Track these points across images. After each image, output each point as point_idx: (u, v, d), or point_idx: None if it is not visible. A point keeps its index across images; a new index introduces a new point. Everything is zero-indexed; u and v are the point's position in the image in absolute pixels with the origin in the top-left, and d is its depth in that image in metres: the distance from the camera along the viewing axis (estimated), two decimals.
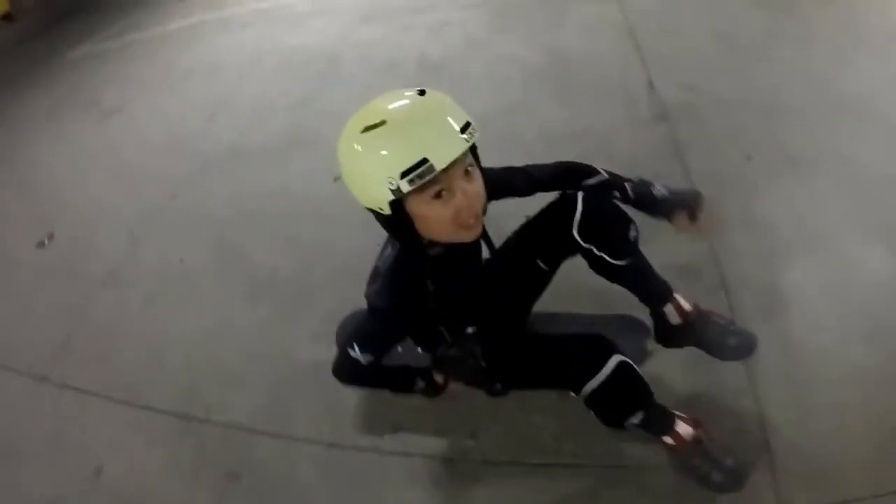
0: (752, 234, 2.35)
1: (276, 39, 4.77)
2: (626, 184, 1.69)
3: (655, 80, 3.30)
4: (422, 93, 1.28)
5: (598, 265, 1.74)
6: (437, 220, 1.32)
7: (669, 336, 1.94)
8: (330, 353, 1.74)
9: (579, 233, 1.66)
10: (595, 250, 1.69)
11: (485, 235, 1.51)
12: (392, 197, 1.24)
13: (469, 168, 1.31)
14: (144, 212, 3.27)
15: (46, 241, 3.26)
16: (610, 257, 1.69)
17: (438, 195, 1.27)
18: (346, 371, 1.68)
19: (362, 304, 1.60)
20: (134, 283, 2.85)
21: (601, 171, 1.71)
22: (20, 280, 3.09)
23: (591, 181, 1.69)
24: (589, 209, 1.65)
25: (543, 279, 1.87)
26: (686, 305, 1.89)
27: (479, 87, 3.52)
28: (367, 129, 1.23)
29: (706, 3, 4.03)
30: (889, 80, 3.04)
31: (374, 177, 1.23)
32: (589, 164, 1.73)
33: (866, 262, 2.19)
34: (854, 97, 2.97)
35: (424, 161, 1.18)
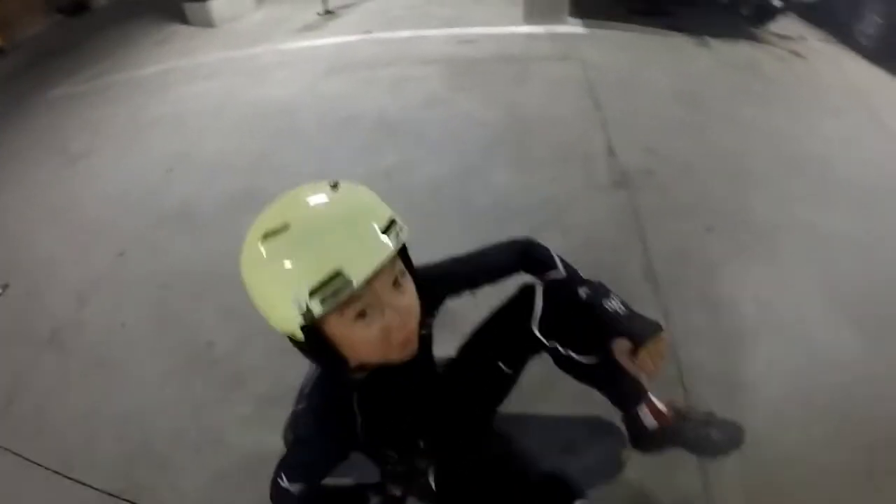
0: (711, 315, 2.18)
1: (240, 91, 4.64)
2: (580, 288, 1.44)
3: (615, 144, 3.15)
4: (335, 186, 1.02)
5: (564, 363, 1.54)
6: (362, 343, 1.06)
7: (646, 441, 1.73)
8: (262, 442, 1.60)
9: (540, 329, 1.47)
10: (559, 347, 1.49)
11: (424, 348, 1.30)
12: (301, 321, 0.97)
13: (399, 277, 1.06)
14: (93, 270, 3.08)
15: (1, 291, 3.16)
16: (576, 353, 1.49)
17: (362, 314, 1.01)
18: (279, 501, 1.31)
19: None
20: (76, 348, 2.67)
21: (558, 263, 1.47)
22: None
23: (549, 277, 1.47)
24: (549, 303, 1.46)
25: (507, 383, 1.65)
26: (661, 406, 1.69)
27: (435, 149, 3.36)
28: (268, 235, 0.97)
29: (670, 61, 3.93)
30: (845, 140, 2.96)
31: (279, 296, 0.97)
32: (545, 249, 1.50)
33: (833, 347, 2.03)
34: (814, 158, 2.88)
35: (338, 274, 0.93)
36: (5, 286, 3.20)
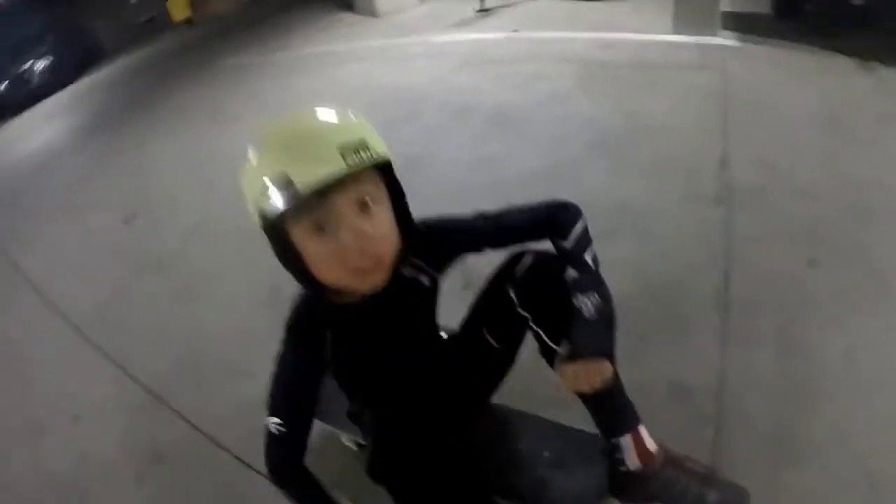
0: (782, 360, 1.85)
1: (379, 76, 4.79)
2: (570, 269, 1.23)
3: (732, 157, 2.81)
4: (329, 111, 1.04)
5: (543, 350, 1.31)
6: (319, 261, 1.04)
7: (623, 485, 1.36)
8: None
9: (515, 292, 1.29)
10: (531, 322, 1.29)
11: (409, 293, 1.23)
12: (260, 223, 1.01)
13: (370, 203, 1.02)
14: (206, 214, 3.38)
15: (130, 220, 3.66)
16: (548, 337, 1.27)
17: (320, 228, 1.00)
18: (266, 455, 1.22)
19: None
20: (172, 276, 3.03)
21: (571, 234, 1.26)
22: (99, 243, 3.56)
23: (556, 244, 1.28)
24: (534, 266, 1.28)
25: (496, 361, 1.48)
26: (650, 444, 1.33)
27: (541, 144, 3.22)
28: (256, 143, 1.02)
29: (822, 83, 3.44)
30: None
31: (248, 197, 1.02)
32: (572, 215, 1.30)
33: None
34: None
35: (287, 180, 0.94)
36: (133, 216, 3.68)
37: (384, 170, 1.06)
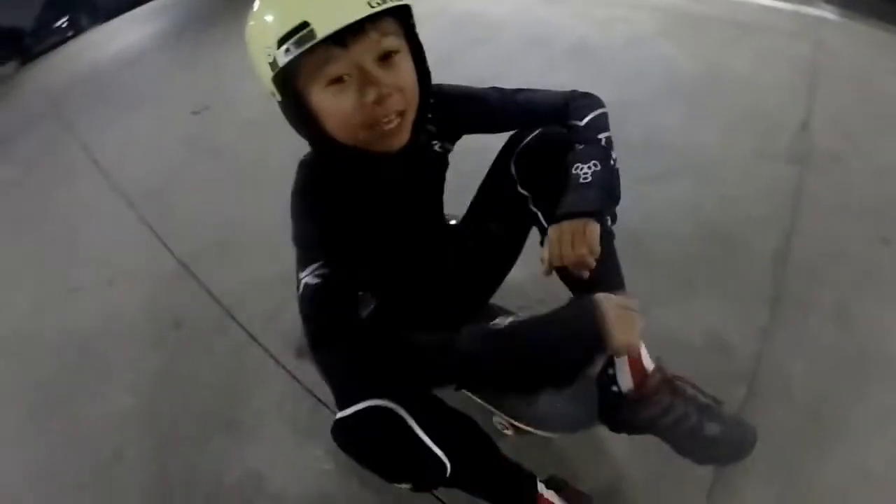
0: (836, 332, 1.64)
1: (460, 2, 4.51)
2: (579, 144, 1.12)
3: (814, 123, 2.53)
4: None
5: (543, 239, 1.17)
6: (337, 116, 0.93)
7: (615, 410, 1.22)
8: None
9: (516, 168, 1.20)
10: (531, 203, 1.19)
11: (423, 161, 1.14)
12: (271, 72, 0.89)
13: (392, 52, 0.92)
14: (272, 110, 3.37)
15: (201, 111, 3.63)
16: (545, 220, 1.14)
17: (338, 80, 0.89)
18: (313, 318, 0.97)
19: None
20: (229, 165, 3.00)
21: (586, 116, 1.14)
22: (167, 131, 3.54)
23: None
24: (538, 139, 1.17)
25: (497, 249, 1.38)
26: (647, 362, 1.19)
27: (613, 80, 2.99)
28: None
29: None
30: None
31: (257, 49, 0.90)
32: (589, 102, 1.18)
33: None
34: None
35: (305, 25, 0.83)
36: (204, 108, 3.66)
37: (402, 18, 0.95)
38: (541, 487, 1.20)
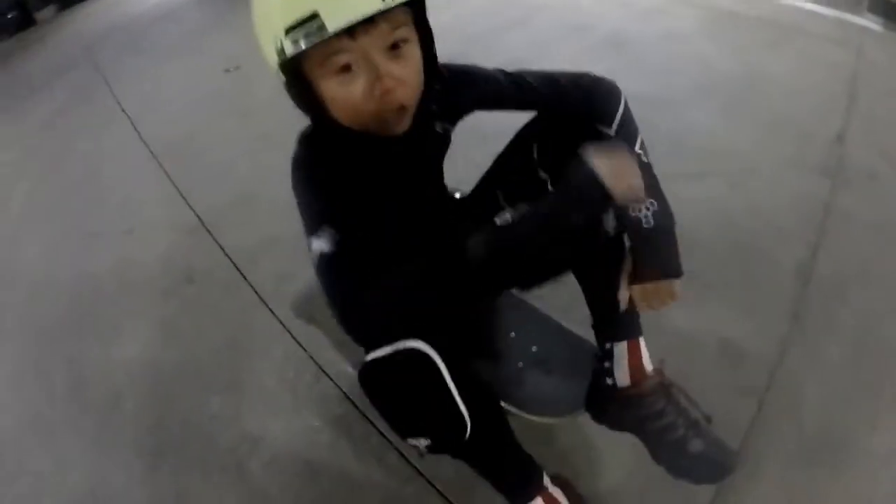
0: (853, 355, 1.55)
1: None
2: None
3: (850, 136, 2.40)
4: None
5: None
6: (343, 103, 0.89)
7: (604, 402, 1.20)
8: None
9: (539, 149, 1.15)
10: (550, 186, 1.14)
11: (425, 140, 1.09)
12: (277, 57, 0.85)
13: (401, 43, 0.87)
14: None
15: (232, 70, 3.57)
16: None
17: (346, 69, 0.85)
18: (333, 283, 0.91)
19: None
20: (256, 124, 2.90)
21: (615, 121, 1.09)
22: (197, 87, 3.51)
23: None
24: (567, 126, 1.11)
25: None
26: (647, 362, 1.16)
27: (648, 73, 2.87)
28: None
29: None
30: None
31: (264, 31, 0.86)
32: (615, 100, 1.12)
33: None
34: None
35: (314, 16, 0.78)
36: (235, 67, 3.59)
37: (414, 6, 0.90)
38: (547, 480, 1.17)
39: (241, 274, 1.99)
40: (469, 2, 4.06)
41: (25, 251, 2.36)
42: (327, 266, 0.90)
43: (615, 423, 1.20)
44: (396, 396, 0.91)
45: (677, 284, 1.07)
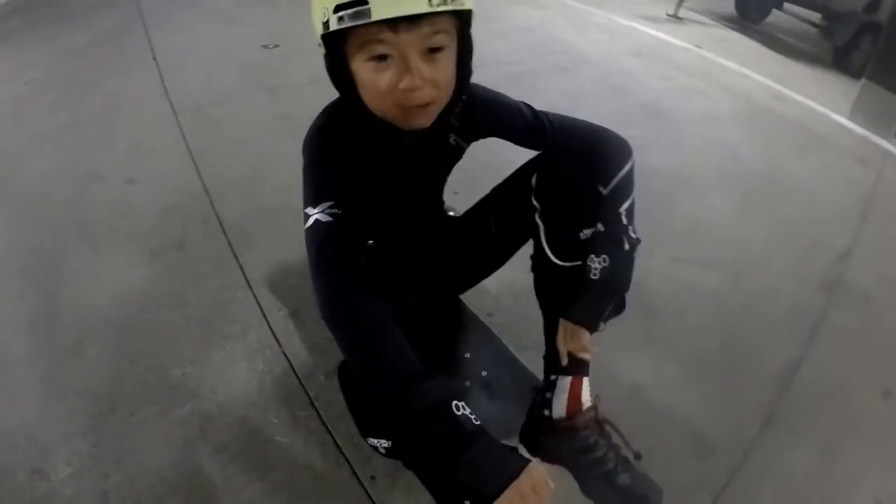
0: (813, 477, 1.54)
1: (552, 28, 4.65)
2: (600, 222, 1.14)
3: (855, 256, 2.44)
4: None
5: (535, 251, 1.24)
6: (371, 89, 0.95)
7: (538, 432, 1.21)
8: None
9: (538, 180, 1.21)
10: (538, 214, 1.20)
11: (432, 140, 1.14)
12: (322, 30, 0.90)
13: (438, 49, 0.92)
14: None
15: (271, 47, 3.62)
16: (545, 236, 1.20)
17: (381, 58, 0.91)
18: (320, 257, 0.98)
19: None
20: (282, 103, 2.94)
21: (610, 182, 1.14)
22: (232, 57, 3.46)
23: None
24: (570, 170, 1.17)
25: (489, 245, 1.38)
26: (585, 396, 1.18)
27: (676, 148, 2.95)
28: None
29: None
30: None
31: (317, 4, 0.91)
32: (617, 160, 1.15)
33: None
34: None
35: (364, 2, 0.83)
36: (276, 45, 3.64)
37: (461, 17, 0.94)
38: None
39: (233, 252, 1.96)
40: (519, 39, 4.11)
41: (28, 171, 2.33)
42: (321, 235, 0.98)
43: (548, 455, 1.19)
44: (365, 400, 1.00)
45: (586, 336, 1.14)
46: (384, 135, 1.05)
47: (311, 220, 0.99)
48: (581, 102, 3.30)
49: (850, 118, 4.04)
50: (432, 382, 0.91)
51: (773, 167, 2.97)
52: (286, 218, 2.01)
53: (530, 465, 0.90)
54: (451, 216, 1.51)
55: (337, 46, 0.93)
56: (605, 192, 1.13)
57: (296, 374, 1.57)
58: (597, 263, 1.12)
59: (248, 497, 1.30)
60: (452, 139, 1.19)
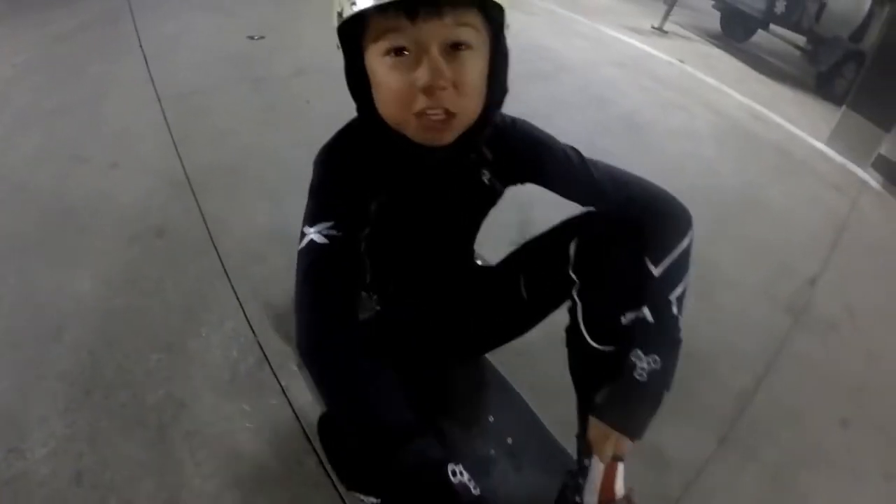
0: (765, 498, 1.62)
1: (538, 34, 4.74)
2: (647, 308, 0.98)
3: (823, 283, 2.55)
4: None
5: (570, 325, 1.11)
6: (385, 88, 0.85)
7: None
8: None
9: (576, 251, 1.06)
10: (575, 290, 1.08)
11: (457, 171, 1.02)
12: (336, 23, 0.83)
13: (463, 46, 0.82)
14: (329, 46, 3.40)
15: (257, 38, 3.65)
16: (582, 317, 1.06)
17: (398, 53, 0.81)
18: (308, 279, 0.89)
19: None
20: (267, 96, 2.97)
21: (665, 261, 0.99)
22: (219, 47, 3.49)
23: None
24: (613, 240, 1.02)
25: (517, 310, 1.24)
26: (619, 485, 1.11)
27: (650, 162, 2.97)
28: None
29: None
30: None
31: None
32: (672, 233, 1.01)
33: None
34: None
35: None
36: (260, 37, 3.70)
37: (491, 15, 0.86)
38: None
39: (213, 241, 2.00)
40: (510, 41, 4.17)
41: (14, 153, 2.35)
42: (312, 257, 0.88)
43: None
44: (352, 455, 0.91)
45: (627, 444, 1.00)
46: (402, 152, 0.94)
47: (305, 240, 0.89)
48: (563, 110, 3.38)
49: (829, 145, 4.18)
50: (426, 441, 0.82)
51: (748, 187, 3.07)
52: (264, 209, 2.11)
53: None
54: (479, 265, 1.36)
55: (353, 42, 0.86)
56: (656, 272, 0.98)
57: (269, 363, 1.62)
58: (644, 363, 0.96)
59: (218, 482, 1.35)
60: (486, 177, 1.07)
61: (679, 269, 0.99)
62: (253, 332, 1.71)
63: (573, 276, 1.07)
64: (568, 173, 1.06)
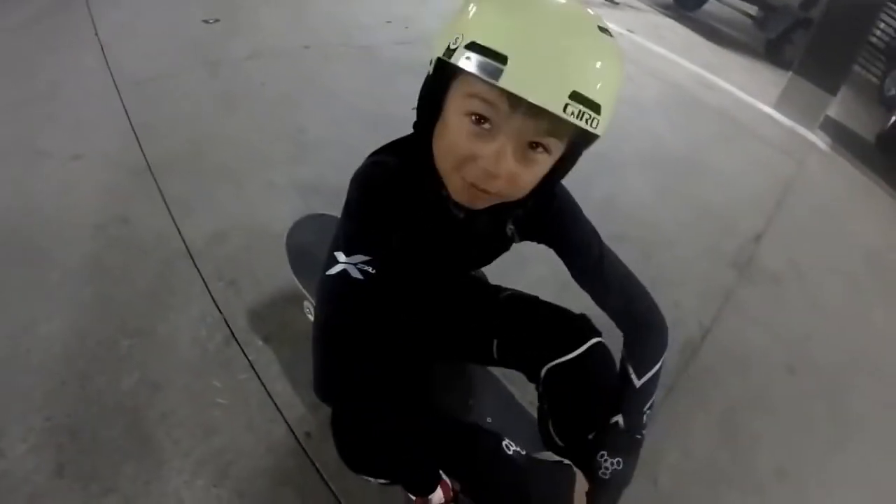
0: (714, 441, 1.75)
1: None
2: (621, 416, 1.05)
3: (767, 239, 2.68)
4: (604, 30, 0.81)
5: (540, 425, 1.21)
6: (448, 142, 0.85)
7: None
8: None
9: (546, 375, 1.15)
10: (545, 406, 1.16)
11: (484, 222, 1.04)
12: (440, 55, 0.80)
13: (541, 148, 0.82)
14: (283, 33, 3.38)
15: (211, 22, 3.59)
16: (557, 433, 1.14)
17: (481, 120, 0.80)
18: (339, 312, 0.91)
19: None
20: (224, 81, 2.96)
21: (647, 372, 1.07)
22: (174, 32, 3.43)
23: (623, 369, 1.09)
24: (582, 386, 1.11)
25: (486, 360, 1.31)
26: None
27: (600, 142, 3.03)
28: None
29: (890, 221, 3.34)
30: None
31: (455, 23, 0.81)
32: (657, 346, 1.11)
33: None
34: None
35: (502, 59, 0.73)
36: (215, 20, 3.64)
37: (584, 135, 0.84)
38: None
39: (176, 225, 2.03)
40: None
41: None
42: (349, 294, 0.88)
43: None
44: (365, 443, 0.97)
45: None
46: (436, 195, 0.95)
47: (337, 268, 0.88)
48: None
49: (777, 109, 4.30)
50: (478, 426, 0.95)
51: (695, 152, 3.18)
52: (226, 191, 2.16)
53: (577, 472, 0.96)
54: (472, 276, 1.41)
55: (446, 76, 0.83)
56: (637, 383, 1.06)
57: (236, 340, 1.68)
58: (609, 464, 1.01)
59: (196, 458, 1.41)
60: (510, 230, 1.09)
61: (655, 383, 1.07)
62: (219, 310, 1.76)
63: (544, 393, 1.16)
64: (583, 261, 1.12)
